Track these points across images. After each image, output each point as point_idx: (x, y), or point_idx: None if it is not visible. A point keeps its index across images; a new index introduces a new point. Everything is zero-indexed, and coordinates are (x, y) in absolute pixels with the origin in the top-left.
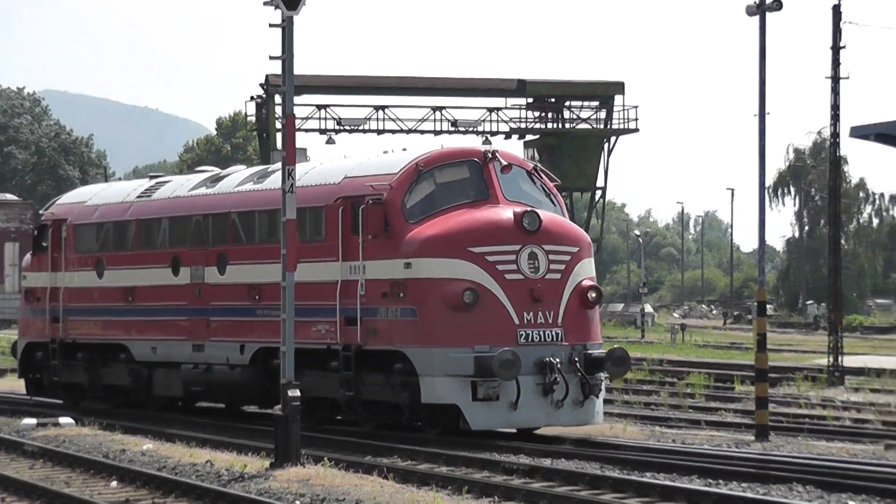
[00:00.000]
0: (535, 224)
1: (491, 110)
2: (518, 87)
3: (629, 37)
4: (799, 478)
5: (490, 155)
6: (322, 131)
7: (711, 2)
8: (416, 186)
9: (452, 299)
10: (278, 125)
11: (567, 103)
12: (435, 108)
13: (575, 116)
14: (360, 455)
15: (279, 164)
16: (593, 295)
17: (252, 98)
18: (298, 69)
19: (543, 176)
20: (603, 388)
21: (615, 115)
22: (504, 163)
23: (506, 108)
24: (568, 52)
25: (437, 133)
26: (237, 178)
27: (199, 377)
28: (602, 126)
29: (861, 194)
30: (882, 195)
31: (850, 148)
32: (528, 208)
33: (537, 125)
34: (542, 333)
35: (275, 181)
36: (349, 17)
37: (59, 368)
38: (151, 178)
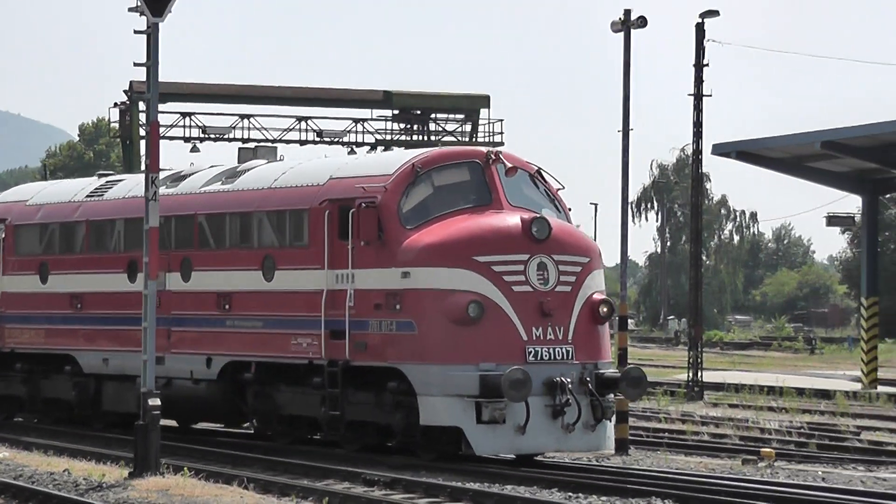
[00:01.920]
0: (544, 232)
1: (357, 121)
2: (384, 99)
3: (496, 50)
4: (658, 492)
5: (493, 156)
6: (186, 139)
7: (578, 18)
8: (412, 189)
9: (455, 312)
10: (142, 132)
11: (433, 116)
12: (300, 118)
13: (440, 129)
14: (221, 465)
15: (252, 163)
16: (605, 309)
17: (116, 104)
18: (163, 76)
19: (547, 179)
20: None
21: (480, 128)
22: (508, 165)
23: (371, 119)
24: (435, 65)
25: (302, 143)
26: (202, 178)
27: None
28: (467, 139)
29: (723, 211)
30: (743, 212)
31: (712, 165)
32: (536, 215)
33: (403, 137)
34: (551, 351)
35: (247, 181)
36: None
37: None
38: (100, 176)
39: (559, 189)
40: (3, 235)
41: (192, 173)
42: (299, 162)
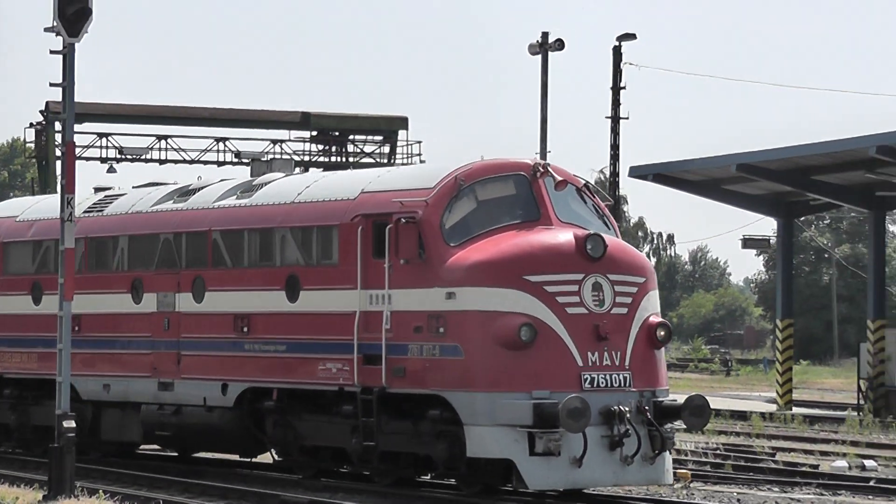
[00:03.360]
0: (599, 250)
1: (275, 142)
2: (302, 120)
3: (414, 72)
4: None
5: (541, 169)
6: (103, 160)
7: (496, 40)
8: (455, 204)
9: (506, 336)
10: (58, 152)
11: (351, 137)
12: (218, 139)
13: (359, 150)
14: (137, 488)
15: (269, 177)
16: (662, 333)
17: (32, 125)
18: (80, 97)
19: (595, 195)
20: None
21: (399, 149)
22: (558, 178)
23: (290, 140)
24: (353, 87)
25: (220, 164)
26: (215, 192)
27: (165, 420)
28: (386, 160)
29: (640, 233)
30: (660, 234)
31: (629, 187)
32: (590, 231)
33: (321, 158)
34: (608, 377)
35: (267, 195)
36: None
37: None
38: (97, 190)
39: (606, 204)
40: None
41: (202, 187)
42: (323, 175)
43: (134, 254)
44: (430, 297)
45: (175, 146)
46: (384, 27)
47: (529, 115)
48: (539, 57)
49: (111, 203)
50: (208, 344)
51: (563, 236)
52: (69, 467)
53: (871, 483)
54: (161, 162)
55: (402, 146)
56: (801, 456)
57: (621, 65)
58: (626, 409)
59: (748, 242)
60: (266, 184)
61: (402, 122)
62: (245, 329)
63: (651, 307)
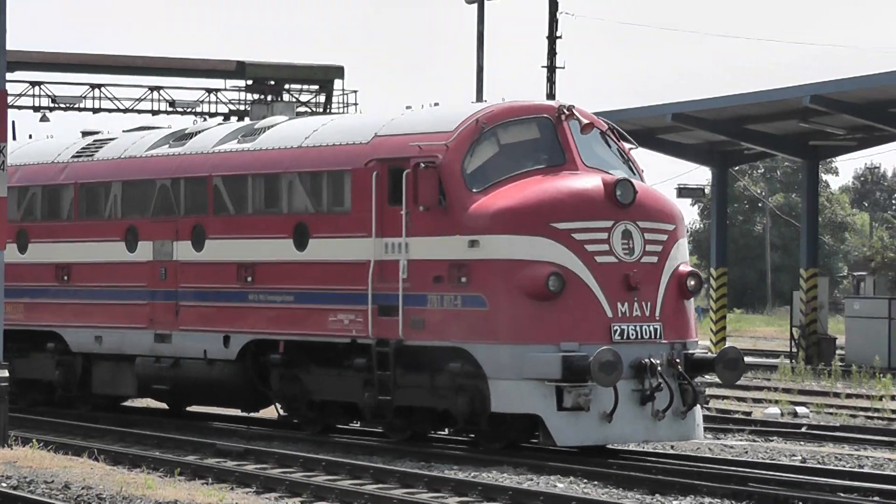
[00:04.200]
0: (629, 196)
1: (210, 91)
2: (237, 69)
3: (350, 21)
4: None
5: (566, 111)
6: (36, 108)
7: None
8: (477, 147)
9: (533, 286)
10: None
11: (287, 86)
12: (153, 88)
13: (295, 99)
14: (72, 437)
15: (272, 120)
16: (692, 283)
17: None
18: (11, 45)
19: (619, 139)
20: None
21: (335, 98)
22: (584, 121)
23: (225, 89)
24: (289, 36)
25: (154, 113)
26: (214, 136)
27: (162, 373)
28: (321, 110)
29: None
30: None
31: None
32: (619, 176)
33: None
34: (638, 329)
35: (272, 139)
36: None
37: None
38: (85, 134)
39: (632, 148)
40: None
41: (199, 131)
42: (331, 119)
43: (128, 200)
44: (452, 246)
45: (109, 95)
46: None
47: (466, 65)
48: (475, 6)
49: (102, 148)
50: (209, 294)
51: (591, 182)
52: (3, 417)
53: (803, 430)
54: (95, 111)
55: (338, 95)
56: (735, 403)
57: (557, 14)
58: (658, 361)
59: (683, 192)
60: (269, 127)
61: (338, 72)
62: (249, 279)
63: (681, 256)
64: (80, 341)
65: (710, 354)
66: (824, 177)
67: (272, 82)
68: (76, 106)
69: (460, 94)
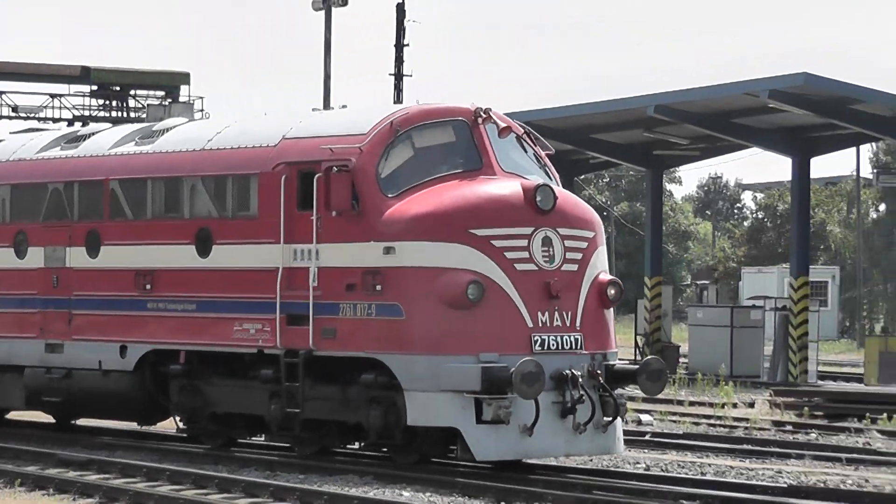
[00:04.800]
0: (549, 202)
1: (53, 96)
2: (82, 74)
3: (197, 27)
4: None
5: (483, 114)
6: None
7: None
8: (392, 151)
9: (451, 294)
10: None
11: (132, 92)
12: None
13: (140, 105)
14: None
15: (171, 122)
16: (613, 292)
17: None
18: None
19: (535, 143)
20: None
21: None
22: (501, 125)
23: (69, 94)
24: (135, 42)
25: None
26: (110, 138)
27: (53, 385)
28: (167, 115)
29: None
30: None
31: None
32: (539, 182)
33: (101, 113)
34: (559, 339)
35: (172, 142)
36: None
37: None
38: None
39: (547, 153)
40: None
41: (93, 133)
42: (235, 121)
43: (17, 205)
44: (366, 253)
45: None
46: None
47: (314, 72)
48: (322, 13)
49: None
50: (104, 302)
51: (510, 187)
52: None
53: (647, 437)
54: None
55: (185, 101)
56: None
57: (405, 21)
58: (579, 373)
59: None
60: (168, 129)
61: (184, 78)
62: (148, 286)
63: (600, 264)
64: None
65: (631, 366)
66: (668, 186)
67: (117, 88)
68: None
69: (309, 101)
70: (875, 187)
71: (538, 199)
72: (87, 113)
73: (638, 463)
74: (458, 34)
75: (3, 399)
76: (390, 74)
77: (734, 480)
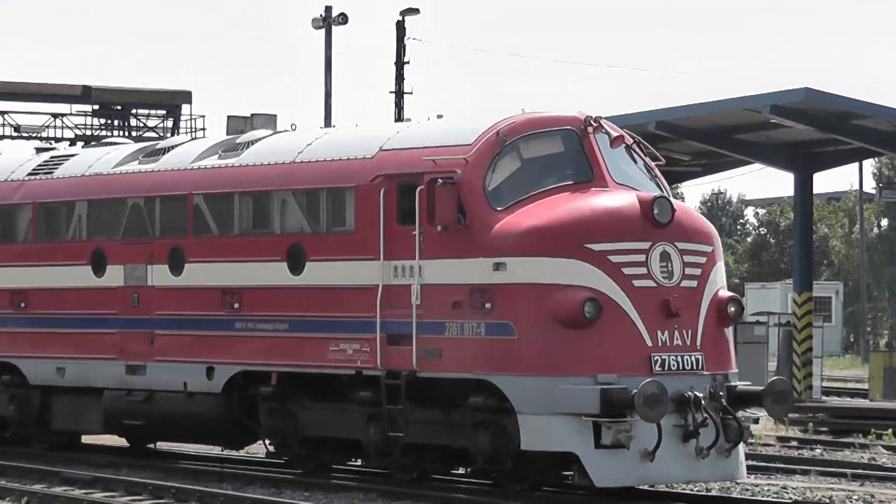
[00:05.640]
0: (666, 215)
1: (56, 116)
2: (83, 94)
3: (198, 46)
4: None
5: (593, 123)
6: None
7: (278, 13)
8: (499, 162)
9: (567, 312)
10: None
11: (134, 111)
12: None
13: (142, 124)
14: None
15: (255, 134)
16: (733, 309)
17: None
18: None
19: (645, 154)
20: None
21: (182, 123)
22: (613, 134)
23: (71, 114)
24: (136, 61)
25: (0, 138)
26: (191, 151)
27: (134, 408)
28: (169, 134)
29: None
30: None
31: None
32: (655, 194)
33: (103, 132)
34: (679, 359)
35: (259, 155)
36: None
37: None
38: (39, 151)
39: (658, 164)
40: None
41: (172, 146)
42: (325, 132)
43: (95, 221)
44: (473, 269)
45: None
46: (167, 1)
47: (315, 90)
48: (323, 31)
49: (62, 164)
50: (189, 322)
51: (625, 199)
52: None
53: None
54: None
55: (186, 120)
56: None
57: (405, 40)
58: (701, 394)
59: None
60: (253, 141)
61: (186, 96)
62: (236, 305)
63: (719, 280)
64: (39, 373)
65: (754, 387)
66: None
67: (119, 107)
68: None
69: (310, 119)
70: (877, 203)
71: (655, 211)
72: (88, 132)
73: None
74: (456, 53)
75: (81, 423)
76: (391, 92)
77: (739, 496)
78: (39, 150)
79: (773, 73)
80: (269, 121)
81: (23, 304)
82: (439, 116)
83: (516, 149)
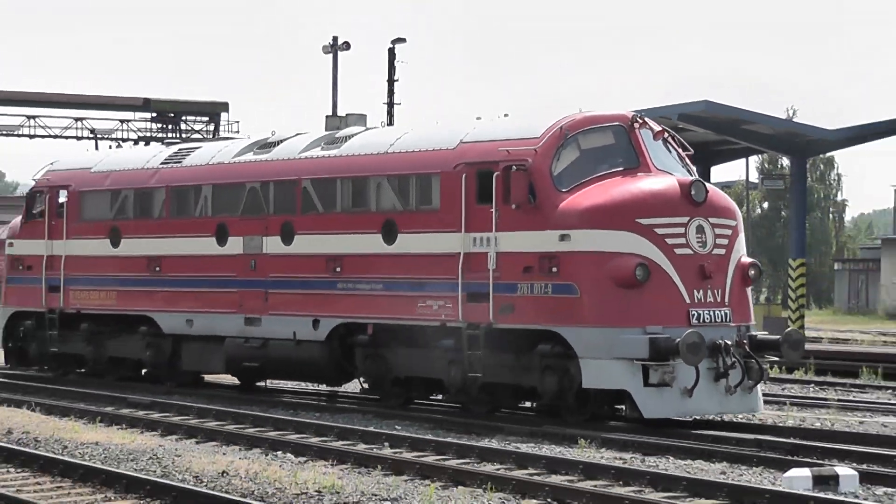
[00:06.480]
0: (702, 195)
1: (122, 122)
2: (144, 105)
3: (235, 63)
4: None
5: (640, 120)
6: None
7: (297, 40)
8: (562, 152)
9: (622, 275)
10: None
11: (183, 118)
12: (77, 119)
13: (190, 129)
14: (12, 393)
15: (350, 130)
16: (753, 272)
17: None
18: None
19: (677, 144)
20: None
21: (221, 128)
22: (656, 128)
23: (134, 120)
24: (186, 75)
25: (79, 139)
26: (299, 144)
27: (252, 353)
28: (211, 136)
29: None
30: None
31: None
32: (692, 178)
33: (160, 135)
34: (712, 313)
35: (356, 147)
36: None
37: (54, 339)
38: (167, 145)
39: (688, 154)
40: (67, 201)
41: (282, 140)
42: (411, 128)
43: (218, 201)
44: (542, 240)
45: (42, 124)
46: (208, 26)
47: (324, 101)
48: (330, 56)
49: (188, 156)
50: (298, 283)
51: (667, 182)
52: None
53: None
54: (31, 136)
55: (224, 126)
56: None
57: (395, 62)
58: (730, 342)
59: None
60: (350, 136)
61: (224, 106)
62: (338, 269)
63: (742, 248)
64: (171, 324)
65: (773, 336)
66: None
67: (172, 114)
68: (16, 133)
69: (320, 126)
70: (760, 190)
71: (693, 192)
72: (148, 135)
73: None
74: (436, 72)
75: (206, 365)
76: (384, 103)
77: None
78: (168, 144)
79: (679, 87)
80: (361, 119)
81: (158, 269)
82: (506, 115)
83: (576, 141)
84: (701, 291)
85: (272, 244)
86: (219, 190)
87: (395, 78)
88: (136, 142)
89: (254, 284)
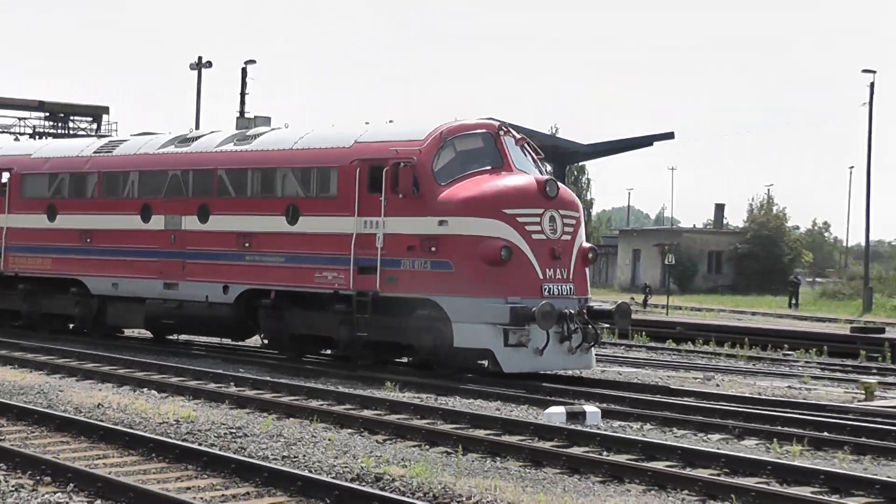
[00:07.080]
0: (554, 191)
1: (21, 119)
2: (39, 106)
3: (116, 73)
4: None
5: (504, 129)
6: None
7: (167, 58)
8: (441, 152)
9: (490, 255)
10: None
11: (72, 117)
12: None
13: (77, 127)
14: None
15: (258, 129)
16: (591, 255)
17: None
18: None
19: (532, 149)
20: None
21: (103, 127)
22: (517, 136)
23: (30, 118)
24: (73, 84)
25: None
26: (214, 139)
27: (169, 311)
28: (94, 134)
29: None
30: None
31: None
32: (548, 177)
33: (52, 131)
34: (560, 288)
35: (265, 143)
36: None
37: None
38: (99, 136)
39: (539, 157)
40: (9, 181)
41: (198, 136)
42: (311, 128)
43: (143, 185)
44: (424, 224)
45: None
46: (95, 36)
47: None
48: (196, 72)
49: (118, 146)
50: (212, 255)
51: (527, 180)
52: None
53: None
54: None
55: (105, 125)
56: None
57: (247, 79)
58: (573, 311)
59: None
60: (259, 134)
61: (105, 109)
62: (247, 244)
63: (583, 236)
64: (99, 287)
65: (606, 307)
66: None
67: (62, 114)
68: None
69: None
70: None
71: (547, 189)
72: (41, 131)
73: None
74: (285, 87)
75: (128, 321)
76: (237, 111)
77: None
78: (99, 136)
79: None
80: (266, 121)
81: (89, 240)
82: (391, 121)
83: (453, 144)
84: (552, 270)
85: (190, 222)
86: (145, 176)
87: (247, 92)
88: (31, 136)
89: (173, 255)
